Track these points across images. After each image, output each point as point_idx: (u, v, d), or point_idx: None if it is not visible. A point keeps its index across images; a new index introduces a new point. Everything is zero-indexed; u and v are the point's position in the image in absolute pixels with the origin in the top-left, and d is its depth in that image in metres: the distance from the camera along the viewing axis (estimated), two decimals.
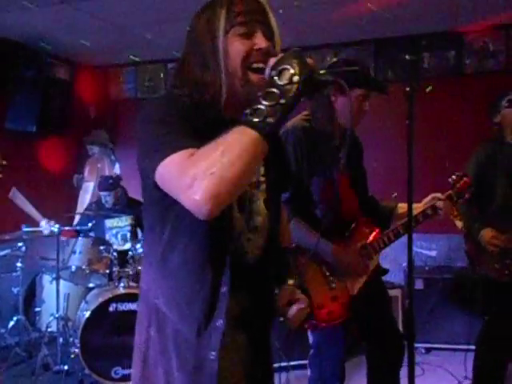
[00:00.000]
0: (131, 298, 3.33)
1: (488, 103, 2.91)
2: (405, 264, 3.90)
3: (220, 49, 1.13)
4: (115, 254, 3.57)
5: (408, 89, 1.49)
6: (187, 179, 0.96)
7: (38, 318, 3.83)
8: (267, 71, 1.09)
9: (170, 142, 1.03)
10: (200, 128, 1.07)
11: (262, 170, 1.27)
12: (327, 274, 2.10)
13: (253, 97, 1.06)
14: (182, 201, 1.00)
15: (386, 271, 2.36)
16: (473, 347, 2.77)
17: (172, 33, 4.14)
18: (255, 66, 1.14)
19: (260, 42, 1.14)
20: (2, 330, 3.64)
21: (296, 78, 1.02)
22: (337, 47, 4.53)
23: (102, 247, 3.65)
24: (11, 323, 3.71)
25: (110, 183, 4.02)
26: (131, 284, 3.46)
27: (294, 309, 1.29)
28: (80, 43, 4.35)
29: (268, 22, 1.17)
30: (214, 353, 1.11)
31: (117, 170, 4.85)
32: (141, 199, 4.05)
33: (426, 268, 4.06)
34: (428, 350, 3.79)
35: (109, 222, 4.01)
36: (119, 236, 3.98)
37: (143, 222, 1.28)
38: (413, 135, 1.48)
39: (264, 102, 1.01)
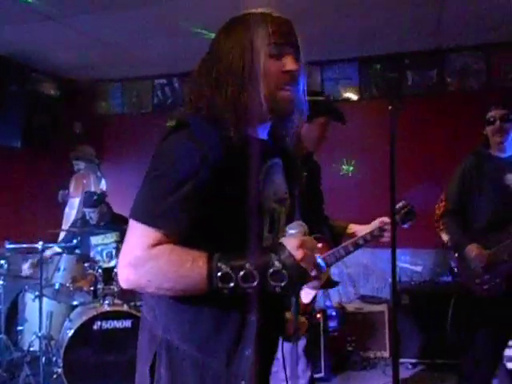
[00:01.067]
0: (116, 315, 3.29)
1: (469, 119, 2.98)
2: (391, 279, 4.01)
3: (256, 67, 1.10)
4: (100, 271, 3.53)
5: (390, 107, 1.52)
6: (134, 259, 1.02)
7: (20, 336, 3.75)
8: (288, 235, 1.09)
9: (157, 211, 1.04)
10: (224, 148, 1.07)
11: (285, 186, 1.27)
12: None
13: (281, 115, 1.14)
14: (118, 261, 1.09)
15: (336, 283, 2.51)
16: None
17: (158, 49, 4.19)
18: (284, 87, 1.13)
19: (290, 64, 1.13)
20: None
21: (289, 287, 1.03)
22: (323, 64, 4.61)
23: (86, 264, 3.60)
24: None
25: (94, 199, 3.98)
26: (116, 301, 3.42)
27: (299, 334, 1.39)
28: (67, 59, 4.35)
29: (297, 44, 1.17)
30: (243, 382, 1.10)
31: (103, 185, 4.81)
32: (126, 215, 4.00)
33: (412, 283, 4.09)
34: (414, 365, 3.80)
35: (94, 239, 3.96)
36: (104, 253, 3.94)
37: None
38: (395, 150, 1.51)
39: (242, 272, 1.01)
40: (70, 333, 3.21)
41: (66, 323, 3.47)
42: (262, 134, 1.22)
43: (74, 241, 3.76)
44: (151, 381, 1.13)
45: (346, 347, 3.92)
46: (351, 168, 4.49)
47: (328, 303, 3.83)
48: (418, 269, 4.27)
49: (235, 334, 1.10)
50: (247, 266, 1.01)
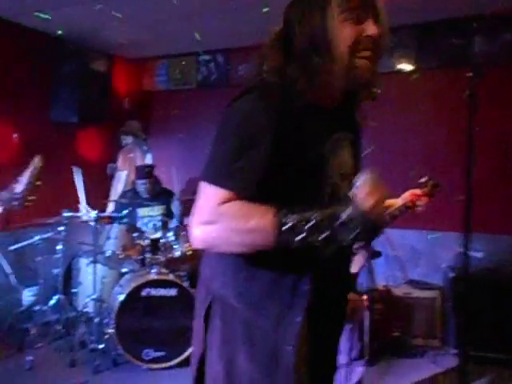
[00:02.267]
0: (163, 283, 3.52)
1: None
2: (444, 265, 3.84)
3: (332, 33, 1.06)
4: (148, 241, 3.77)
5: (470, 74, 1.43)
6: (203, 218, 1.05)
7: (75, 298, 4.06)
8: (356, 185, 1.02)
9: (225, 172, 1.04)
10: (292, 116, 1.05)
11: (351, 161, 1.23)
12: None
13: (356, 84, 1.08)
14: (188, 220, 1.11)
15: (379, 253, 2.45)
16: None
17: (203, 25, 4.25)
18: (362, 54, 1.08)
19: (370, 28, 1.07)
20: (45, 308, 3.90)
21: (360, 237, 1.00)
22: None
23: (135, 234, 3.84)
24: (52, 302, 3.97)
25: (146, 172, 4.18)
26: (163, 270, 3.64)
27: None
28: (116, 37, 4.52)
29: (378, 8, 1.10)
30: (290, 347, 1.09)
31: (148, 160, 5.02)
32: (172, 189, 4.19)
33: (470, 270, 3.86)
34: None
35: (141, 211, 4.19)
36: (150, 225, 4.16)
37: None
38: (473, 120, 1.40)
39: (310, 223, 0.98)
40: (121, 297, 3.48)
41: (116, 288, 3.75)
42: (333, 105, 1.17)
43: (124, 211, 3.99)
44: (206, 333, 1.19)
45: (392, 332, 3.78)
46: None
47: (373, 285, 3.67)
48: (479, 255, 3.80)
49: (286, 301, 1.10)
50: (315, 216, 0.99)
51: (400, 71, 4.18)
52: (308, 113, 1.08)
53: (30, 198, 1.57)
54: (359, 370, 2.57)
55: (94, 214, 3.73)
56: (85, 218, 3.81)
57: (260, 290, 1.12)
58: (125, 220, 4.01)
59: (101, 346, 3.59)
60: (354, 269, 2.33)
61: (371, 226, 1.01)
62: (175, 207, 4.01)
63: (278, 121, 1.04)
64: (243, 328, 1.13)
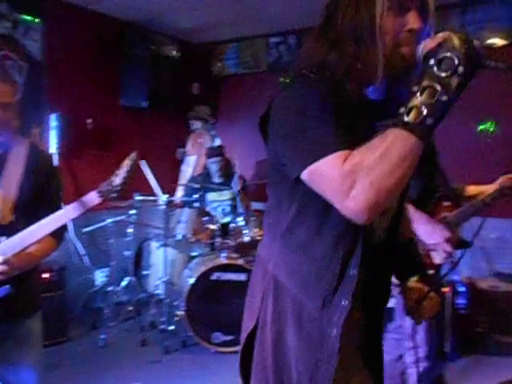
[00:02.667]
0: (232, 268, 3.50)
1: None
2: None
3: (378, 23, 1.01)
4: (218, 225, 3.75)
5: None
6: (343, 187, 0.93)
7: (145, 280, 4.14)
8: (419, 53, 0.96)
9: (321, 141, 0.98)
10: (341, 110, 1.01)
11: None
12: None
13: (401, 76, 1.01)
14: (336, 206, 0.97)
15: (468, 243, 2.27)
16: None
17: (273, 6, 4.15)
18: (403, 49, 1.03)
19: (413, 21, 1.02)
20: (117, 289, 3.99)
21: (461, 70, 0.88)
22: (464, 6, 4.00)
23: (205, 218, 3.84)
24: (123, 283, 4.08)
25: (216, 150, 4.20)
26: (232, 255, 3.63)
27: (424, 307, 1.29)
28: (185, 22, 4.51)
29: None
30: (336, 330, 1.09)
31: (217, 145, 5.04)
32: (242, 174, 4.05)
33: None
34: None
35: (210, 196, 4.19)
36: (219, 209, 4.16)
37: (268, 194, 1.25)
38: None
39: (421, 99, 0.89)
40: (191, 281, 3.49)
41: (186, 271, 3.77)
42: (375, 94, 1.13)
43: (195, 196, 3.99)
44: (260, 308, 1.20)
45: (476, 328, 3.58)
46: (492, 127, 3.93)
47: (456, 277, 3.56)
48: None
49: (333, 284, 1.10)
50: (419, 89, 0.90)
51: (491, 46, 3.92)
52: (350, 102, 1.04)
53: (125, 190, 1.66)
54: (439, 365, 2.41)
55: (164, 197, 3.75)
56: (156, 201, 3.84)
57: (308, 272, 1.13)
58: (195, 204, 4.02)
59: (171, 328, 3.63)
60: (437, 260, 2.19)
61: (467, 54, 0.89)
62: (234, 183, 3.97)
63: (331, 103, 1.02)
64: (292, 307, 1.15)
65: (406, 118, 0.91)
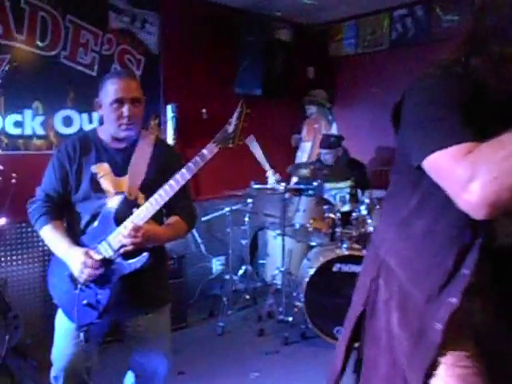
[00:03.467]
0: (355, 259, 3.27)
1: None
2: None
3: None
4: (339, 214, 3.54)
5: None
6: (463, 180, 0.93)
7: (262, 269, 4.08)
8: None
9: (447, 131, 0.99)
10: (480, 108, 1.01)
11: None
12: None
13: None
14: (453, 197, 0.97)
15: None
16: None
17: None
18: None
19: None
20: (234, 277, 3.99)
21: None
22: None
23: (325, 207, 3.66)
24: (240, 271, 4.06)
25: (331, 141, 3.99)
26: (354, 246, 3.41)
27: None
28: (299, 3, 4.32)
29: None
30: (439, 324, 1.09)
31: (334, 130, 4.80)
32: (361, 160, 3.90)
33: None
34: None
35: (328, 183, 4.00)
36: (338, 197, 3.95)
37: (390, 182, 1.28)
38: None
39: None
40: (311, 271, 3.33)
41: (305, 262, 3.63)
42: None
43: (314, 183, 3.82)
44: (369, 290, 1.26)
45: None
46: None
47: None
48: None
49: (442, 281, 1.11)
50: None
51: None
52: (490, 103, 1.04)
53: (240, 138, 1.78)
54: None
55: (281, 185, 3.63)
56: (273, 189, 3.74)
57: (420, 265, 1.15)
58: (311, 192, 3.85)
59: (289, 319, 3.52)
60: None
61: None
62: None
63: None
64: (399, 294, 1.19)
65: None
